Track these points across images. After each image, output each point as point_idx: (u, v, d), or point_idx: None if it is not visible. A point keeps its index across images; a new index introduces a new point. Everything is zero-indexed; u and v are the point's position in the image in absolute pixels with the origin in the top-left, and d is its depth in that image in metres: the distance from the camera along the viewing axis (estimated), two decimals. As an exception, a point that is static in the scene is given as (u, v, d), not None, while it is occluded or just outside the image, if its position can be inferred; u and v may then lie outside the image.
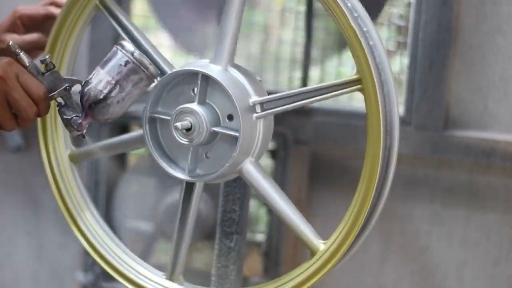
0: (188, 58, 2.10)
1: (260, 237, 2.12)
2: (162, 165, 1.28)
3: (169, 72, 1.28)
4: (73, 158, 1.42)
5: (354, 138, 1.92)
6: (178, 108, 1.26)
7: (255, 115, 1.24)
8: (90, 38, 2.02)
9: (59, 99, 1.24)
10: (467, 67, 1.89)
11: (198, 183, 1.30)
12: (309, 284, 1.25)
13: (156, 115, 1.28)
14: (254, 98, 1.25)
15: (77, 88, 1.25)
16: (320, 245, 1.26)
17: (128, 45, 1.21)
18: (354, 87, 1.20)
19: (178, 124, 1.25)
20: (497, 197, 1.93)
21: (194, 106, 1.25)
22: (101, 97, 1.21)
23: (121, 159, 2.14)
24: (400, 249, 2.00)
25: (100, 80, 1.21)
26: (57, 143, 1.42)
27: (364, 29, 1.19)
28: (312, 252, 1.27)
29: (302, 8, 2.00)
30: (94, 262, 2.03)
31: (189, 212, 1.32)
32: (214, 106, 1.26)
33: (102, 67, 1.21)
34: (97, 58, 2.02)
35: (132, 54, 1.20)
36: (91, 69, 2.02)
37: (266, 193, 1.29)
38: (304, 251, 2.04)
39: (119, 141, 1.40)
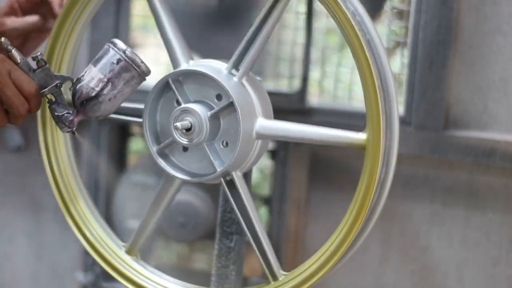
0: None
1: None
2: (196, 180, 1.29)
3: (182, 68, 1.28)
4: (130, 252, 1.42)
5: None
6: (177, 108, 1.26)
7: (255, 135, 1.26)
8: (90, 38, 2.02)
9: (50, 96, 1.24)
10: (467, 67, 1.89)
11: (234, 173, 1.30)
12: (309, 284, 1.26)
13: (162, 145, 1.29)
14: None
15: (67, 85, 1.26)
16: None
17: (120, 43, 1.22)
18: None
19: (178, 124, 1.25)
20: (497, 197, 1.93)
21: (187, 104, 1.25)
22: (93, 94, 1.21)
23: (121, 159, 2.14)
24: (400, 249, 2.00)
25: (92, 77, 1.21)
26: (57, 143, 1.42)
27: (364, 29, 1.19)
28: (273, 278, 1.29)
29: (302, 8, 2.00)
30: (94, 262, 2.03)
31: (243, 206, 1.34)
32: (201, 99, 1.28)
33: (94, 65, 1.22)
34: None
35: (124, 52, 1.20)
36: (91, 69, 2.03)
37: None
38: (304, 251, 2.04)
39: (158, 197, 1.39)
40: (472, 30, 1.88)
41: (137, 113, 1.32)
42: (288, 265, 2.01)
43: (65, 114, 1.23)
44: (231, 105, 1.24)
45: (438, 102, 1.88)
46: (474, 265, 1.97)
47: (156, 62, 2.12)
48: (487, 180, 1.92)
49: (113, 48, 1.21)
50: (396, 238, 2.00)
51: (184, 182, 1.33)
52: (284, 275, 1.29)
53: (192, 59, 1.30)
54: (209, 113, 1.25)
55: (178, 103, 1.27)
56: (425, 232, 1.98)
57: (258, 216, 1.32)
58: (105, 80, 1.21)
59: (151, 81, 1.54)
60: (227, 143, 1.27)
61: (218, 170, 1.26)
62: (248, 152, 1.27)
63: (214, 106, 1.26)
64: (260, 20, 1.25)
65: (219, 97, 1.26)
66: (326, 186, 2.02)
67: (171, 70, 1.30)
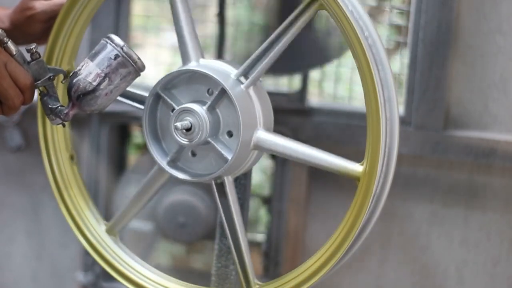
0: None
1: (260, 237, 2.12)
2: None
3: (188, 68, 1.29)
4: (110, 231, 1.43)
5: (354, 138, 1.92)
6: (178, 107, 1.26)
7: (251, 147, 1.26)
8: (90, 38, 2.02)
9: (42, 88, 1.25)
10: (467, 67, 1.89)
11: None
12: (309, 284, 1.25)
13: (171, 158, 1.30)
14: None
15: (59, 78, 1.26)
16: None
17: (117, 38, 1.22)
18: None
19: (178, 124, 1.25)
20: (497, 197, 1.93)
21: (195, 106, 1.25)
22: (91, 89, 1.21)
23: (121, 159, 2.14)
24: (400, 249, 2.00)
25: (90, 72, 1.21)
26: (57, 143, 1.42)
27: (364, 29, 1.19)
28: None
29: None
30: (94, 262, 2.03)
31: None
32: (194, 98, 1.27)
33: (92, 60, 1.22)
34: (97, 58, 2.03)
35: (122, 48, 1.21)
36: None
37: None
38: (304, 251, 2.04)
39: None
40: (472, 30, 1.88)
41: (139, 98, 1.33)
42: (288, 265, 2.01)
43: (59, 107, 1.24)
44: (223, 92, 1.24)
45: (438, 102, 1.88)
46: (474, 265, 1.97)
47: (156, 62, 2.12)
48: (487, 180, 1.92)
49: (110, 44, 1.21)
50: (396, 238, 2.00)
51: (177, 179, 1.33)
52: (258, 285, 1.29)
53: (202, 56, 1.30)
54: (205, 107, 1.25)
55: (172, 112, 1.28)
56: (425, 232, 1.98)
57: (242, 224, 1.32)
58: (103, 75, 1.21)
59: (150, 82, 1.55)
60: (231, 133, 1.28)
61: (229, 158, 1.26)
62: (243, 160, 1.28)
63: (207, 100, 1.27)
64: (281, 31, 1.25)
65: (210, 92, 1.27)
66: (326, 186, 2.02)
67: (173, 69, 1.30)
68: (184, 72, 1.28)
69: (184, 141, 1.26)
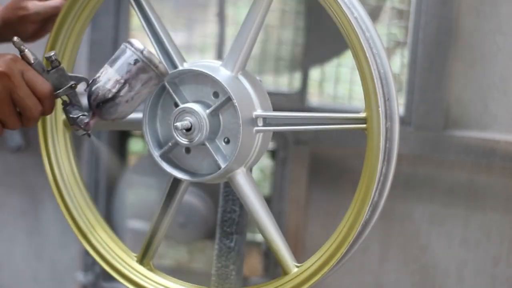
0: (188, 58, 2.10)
1: (260, 237, 2.12)
2: (202, 180, 1.29)
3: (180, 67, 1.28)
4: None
5: (354, 138, 1.92)
6: (178, 108, 1.26)
7: (255, 128, 1.25)
8: (90, 38, 2.02)
9: (64, 97, 1.21)
10: (467, 67, 1.89)
11: (241, 169, 1.30)
12: (309, 284, 1.25)
13: (164, 149, 1.29)
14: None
15: (82, 86, 1.23)
16: (294, 268, 1.27)
17: (137, 42, 1.18)
18: (359, 126, 1.20)
19: (178, 124, 1.25)
20: (497, 197, 1.93)
21: (185, 104, 1.25)
22: (110, 96, 1.17)
23: (121, 159, 2.14)
24: (400, 249, 2.00)
25: (109, 78, 1.17)
26: (57, 143, 1.42)
27: (365, 29, 1.19)
28: (284, 272, 1.28)
29: (302, 8, 2.00)
30: (94, 262, 2.03)
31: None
32: (198, 98, 1.27)
33: (111, 65, 1.18)
34: (97, 58, 2.03)
35: (141, 52, 1.17)
36: (91, 69, 2.04)
37: (252, 207, 1.30)
38: (304, 251, 2.04)
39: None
40: (472, 30, 1.88)
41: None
42: (288, 265, 2.01)
43: (81, 116, 1.19)
44: (228, 100, 1.24)
45: (438, 102, 1.88)
46: (474, 265, 1.97)
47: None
48: (487, 180, 1.92)
49: (130, 48, 1.17)
50: (396, 238, 2.00)
51: (189, 183, 1.32)
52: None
53: (185, 61, 1.30)
54: (208, 111, 1.25)
55: (177, 106, 1.27)
56: (425, 232, 1.98)
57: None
58: (122, 81, 1.17)
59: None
60: (228, 140, 1.27)
61: (222, 166, 1.26)
62: (250, 147, 1.27)
63: (211, 103, 1.26)
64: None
65: (216, 95, 1.26)
66: (326, 186, 2.02)
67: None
68: (174, 75, 1.27)
69: (184, 141, 1.26)
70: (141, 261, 1.38)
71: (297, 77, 2.02)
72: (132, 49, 1.17)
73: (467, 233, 1.96)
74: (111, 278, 1.45)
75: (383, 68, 1.19)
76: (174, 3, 2.11)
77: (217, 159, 1.26)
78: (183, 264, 2.22)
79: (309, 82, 2.00)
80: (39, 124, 1.41)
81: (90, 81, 1.19)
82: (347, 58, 2.02)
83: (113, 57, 1.18)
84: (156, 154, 1.29)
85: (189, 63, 1.29)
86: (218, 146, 1.27)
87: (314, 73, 2.04)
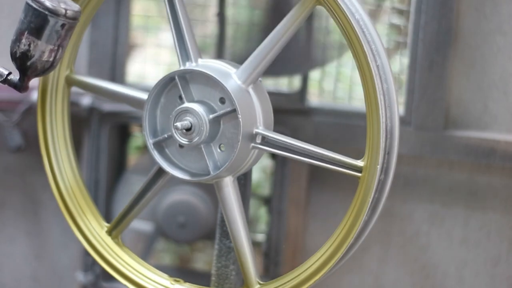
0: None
1: (260, 237, 2.12)
2: (187, 178, 1.29)
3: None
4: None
5: (354, 138, 1.92)
6: (177, 108, 1.26)
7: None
8: (90, 38, 2.02)
9: None
10: (467, 67, 1.89)
11: (228, 177, 1.30)
12: (309, 284, 1.26)
13: (159, 138, 1.29)
14: (234, 72, 1.26)
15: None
16: (257, 284, 1.29)
17: (55, 5, 1.15)
18: (354, 173, 1.21)
19: (178, 124, 1.25)
20: (497, 197, 1.93)
21: (189, 104, 1.25)
22: (49, 65, 1.19)
23: (121, 159, 2.14)
24: (400, 249, 2.00)
25: (43, 51, 1.17)
26: (57, 143, 1.42)
27: (365, 29, 1.19)
28: (246, 286, 1.30)
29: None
30: (94, 262, 2.03)
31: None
32: (205, 100, 1.27)
33: (38, 38, 1.16)
34: (97, 58, 2.03)
35: (65, 15, 1.16)
36: (91, 69, 2.04)
37: (232, 215, 1.30)
38: (304, 251, 2.04)
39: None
40: (472, 30, 1.88)
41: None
42: (288, 265, 2.01)
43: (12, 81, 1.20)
44: (233, 111, 1.24)
45: (438, 102, 1.88)
46: (474, 265, 1.97)
47: (156, 62, 2.12)
48: (487, 180, 1.92)
49: (52, 16, 1.15)
50: (396, 238, 2.00)
51: (176, 178, 1.33)
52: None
53: (200, 57, 1.30)
54: (211, 116, 1.25)
55: (181, 100, 1.27)
56: (425, 232, 1.98)
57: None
58: (56, 48, 1.17)
59: (150, 82, 1.55)
60: (223, 147, 1.27)
61: (212, 173, 1.26)
62: (243, 160, 1.27)
63: (216, 108, 1.26)
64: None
65: (222, 101, 1.26)
66: (325, 186, 2.02)
67: (173, 69, 1.30)
68: (185, 71, 1.27)
69: (184, 141, 1.26)
70: (110, 232, 1.40)
71: (297, 77, 2.02)
72: (55, 16, 1.15)
73: (467, 233, 1.96)
74: (111, 278, 1.45)
75: (383, 69, 1.19)
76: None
77: (208, 164, 1.26)
78: (182, 264, 2.22)
79: (309, 82, 2.00)
80: (39, 124, 1.41)
81: (19, 59, 1.18)
82: (347, 58, 2.02)
83: (34, 26, 1.16)
84: (150, 141, 1.30)
85: (204, 61, 1.29)
86: (212, 151, 1.27)
87: (314, 73, 2.04)
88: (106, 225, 1.42)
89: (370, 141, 1.19)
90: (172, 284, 1.37)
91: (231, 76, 1.26)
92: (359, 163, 1.21)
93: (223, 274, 1.39)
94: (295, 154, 1.24)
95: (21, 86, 1.21)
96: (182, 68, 1.28)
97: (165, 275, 1.39)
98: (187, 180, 1.30)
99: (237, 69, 1.27)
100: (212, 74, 1.24)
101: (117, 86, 1.37)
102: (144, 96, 1.31)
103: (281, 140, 1.25)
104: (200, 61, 1.29)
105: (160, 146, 1.31)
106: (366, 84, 1.18)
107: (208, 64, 1.28)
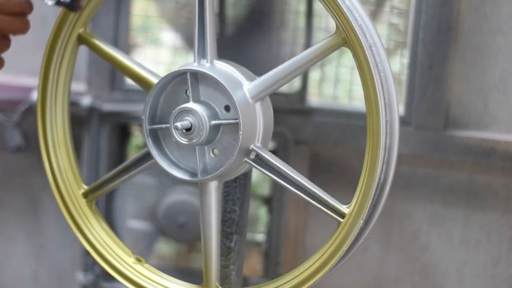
0: (187, 58, 2.10)
1: (260, 237, 2.12)
2: (172, 172, 1.28)
3: (155, 81, 1.28)
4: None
5: (354, 138, 1.92)
6: (177, 108, 1.26)
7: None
8: (90, 38, 2.02)
9: None
10: (467, 67, 1.89)
11: (214, 182, 1.30)
12: (309, 284, 1.25)
13: (156, 127, 1.28)
14: (246, 84, 1.25)
15: None
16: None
17: None
18: (336, 217, 1.22)
19: (178, 124, 1.25)
20: (497, 197, 1.93)
21: (192, 105, 1.25)
22: None
23: (121, 159, 2.14)
24: (400, 249, 2.00)
25: None
26: (57, 143, 1.42)
27: (364, 28, 1.19)
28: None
29: (302, 8, 2.00)
30: (94, 262, 2.03)
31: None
32: (210, 102, 1.26)
33: None
34: (97, 58, 2.03)
35: None
36: (91, 69, 2.04)
37: (208, 219, 1.30)
38: (304, 251, 2.04)
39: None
40: (472, 30, 1.88)
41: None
42: (288, 265, 2.01)
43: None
44: (236, 124, 1.23)
45: (438, 102, 1.88)
46: (474, 265, 1.97)
47: (156, 62, 2.12)
48: (487, 180, 1.92)
49: None
50: (396, 238, 2.00)
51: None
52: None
53: (216, 58, 1.29)
54: (212, 122, 1.25)
55: (187, 95, 1.27)
56: (425, 232, 1.98)
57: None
58: None
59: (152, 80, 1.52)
60: (217, 152, 1.27)
61: (199, 177, 1.26)
62: (232, 170, 1.27)
63: (220, 115, 1.26)
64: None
65: (227, 108, 1.25)
66: (326, 185, 2.02)
67: (173, 69, 1.30)
68: (197, 72, 1.27)
69: (184, 141, 1.26)
70: (86, 195, 1.40)
71: (297, 77, 2.02)
72: None
73: (467, 233, 1.96)
74: (111, 278, 1.45)
75: (383, 69, 1.19)
76: (175, 3, 2.11)
77: (198, 166, 1.26)
78: (182, 264, 2.22)
79: (309, 82, 2.00)
80: (39, 124, 1.40)
81: None
82: (347, 58, 2.01)
83: None
84: (147, 126, 1.29)
85: (220, 63, 1.28)
86: (205, 154, 1.27)
87: (314, 73, 2.04)
88: (84, 187, 1.41)
89: (370, 141, 1.19)
90: (134, 263, 1.37)
91: (242, 87, 1.25)
92: (344, 209, 1.22)
93: (223, 274, 1.39)
94: (283, 181, 1.24)
95: (73, 5, 1.24)
96: (195, 64, 1.27)
97: (129, 251, 1.38)
98: (171, 174, 1.29)
99: (251, 81, 1.26)
100: (223, 83, 1.23)
101: (129, 61, 1.35)
102: (153, 79, 1.31)
103: (273, 162, 1.25)
104: (215, 62, 1.28)
105: (155, 133, 1.31)
106: (366, 84, 1.18)
107: (223, 69, 1.27)
